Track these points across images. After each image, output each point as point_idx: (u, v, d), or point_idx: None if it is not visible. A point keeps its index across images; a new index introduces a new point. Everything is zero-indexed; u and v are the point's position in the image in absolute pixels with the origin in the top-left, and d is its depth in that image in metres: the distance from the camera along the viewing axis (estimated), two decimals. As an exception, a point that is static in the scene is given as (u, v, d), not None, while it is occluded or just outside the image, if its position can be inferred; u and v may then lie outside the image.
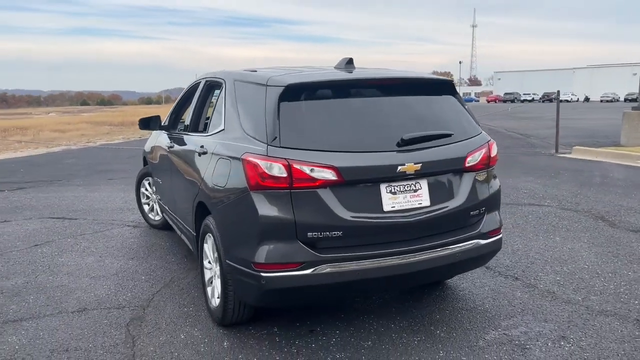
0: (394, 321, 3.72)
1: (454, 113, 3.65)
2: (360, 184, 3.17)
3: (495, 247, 3.68)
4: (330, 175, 3.05)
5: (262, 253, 3.07)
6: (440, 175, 3.39)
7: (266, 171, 3.04)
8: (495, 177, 3.75)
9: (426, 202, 3.32)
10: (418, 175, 3.28)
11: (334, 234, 3.08)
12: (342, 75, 3.61)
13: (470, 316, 3.77)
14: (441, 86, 3.74)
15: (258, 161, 3.07)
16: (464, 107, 3.73)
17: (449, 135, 3.44)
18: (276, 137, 3.11)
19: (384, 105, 3.45)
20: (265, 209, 3.06)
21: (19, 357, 3.32)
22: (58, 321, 3.84)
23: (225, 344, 3.44)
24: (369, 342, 3.42)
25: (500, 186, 3.78)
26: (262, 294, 3.14)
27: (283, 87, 3.24)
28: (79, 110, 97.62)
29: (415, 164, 3.22)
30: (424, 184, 3.33)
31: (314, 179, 3.04)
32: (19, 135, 25.31)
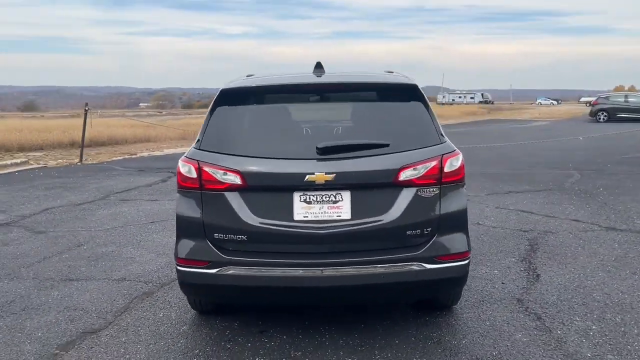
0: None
1: (409, 120, 3.32)
2: (270, 190, 3.15)
3: (449, 275, 3.23)
4: (236, 179, 3.12)
5: (180, 248, 3.30)
6: (368, 188, 3.14)
7: (182, 172, 3.25)
8: (459, 195, 3.27)
9: (346, 215, 3.12)
10: (339, 187, 3.11)
11: (239, 237, 3.14)
12: (282, 80, 3.57)
13: (434, 348, 3.37)
14: (402, 91, 3.44)
15: (180, 163, 3.30)
16: (428, 114, 3.33)
17: (382, 146, 3.15)
18: (199, 140, 3.30)
19: (324, 112, 3.33)
20: (182, 207, 3.29)
21: (35, 305, 4.17)
22: (94, 285, 4.64)
23: (183, 328, 3.77)
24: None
25: (465, 206, 3.28)
26: (183, 287, 3.38)
27: (219, 93, 3.39)
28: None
29: (327, 173, 3.06)
30: (346, 195, 3.13)
31: (221, 182, 3.15)
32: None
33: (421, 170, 3.13)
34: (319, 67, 3.69)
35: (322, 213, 3.12)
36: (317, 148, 3.12)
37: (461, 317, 3.81)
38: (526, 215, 6.82)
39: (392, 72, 4.02)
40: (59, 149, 17.13)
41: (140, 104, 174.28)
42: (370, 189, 3.15)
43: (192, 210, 3.24)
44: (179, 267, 3.30)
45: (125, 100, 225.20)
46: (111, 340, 3.62)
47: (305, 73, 3.71)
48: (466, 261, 3.27)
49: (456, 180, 3.24)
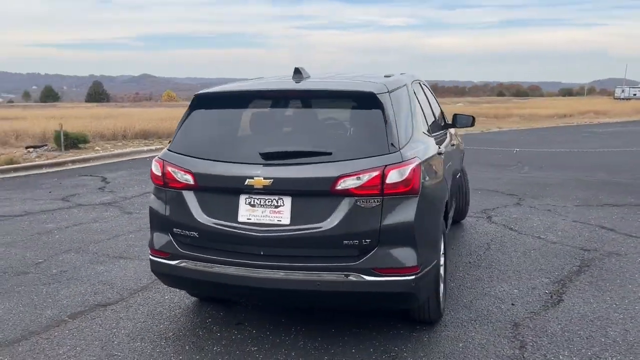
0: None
1: (361, 128, 3.27)
2: (219, 191, 3.32)
3: (391, 290, 3.14)
4: (189, 179, 3.35)
5: (152, 240, 3.63)
6: (308, 195, 3.16)
7: (153, 170, 3.57)
8: (407, 207, 3.13)
9: (286, 220, 3.18)
10: (281, 192, 3.18)
11: (192, 233, 3.37)
12: (245, 87, 3.70)
13: (377, 361, 3.30)
14: (359, 99, 3.37)
15: (153, 162, 3.62)
16: (384, 122, 3.22)
17: (324, 154, 3.15)
18: (170, 142, 3.59)
19: (281, 118, 3.42)
20: (153, 202, 3.62)
21: (79, 276, 4.83)
22: (136, 264, 5.23)
23: (176, 311, 4.13)
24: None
25: (413, 219, 3.13)
26: (155, 275, 3.72)
27: (193, 97, 3.63)
28: (487, 100, 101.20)
29: (265, 178, 3.15)
30: (287, 201, 3.19)
31: (178, 181, 3.40)
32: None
33: (361, 179, 3.07)
34: (297, 72, 3.73)
35: (264, 217, 3.22)
36: (259, 153, 3.22)
37: (438, 335, 3.63)
38: (603, 233, 6.09)
39: (390, 76, 3.93)
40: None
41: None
42: (310, 196, 3.17)
43: (159, 206, 3.54)
44: (150, 256, 3.63)
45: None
46: (112, 314, 4.10)
47: (281, 79, 3.81)
48: (412, 277, 3.13)
49: (403, 192, 3.11)
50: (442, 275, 3.83)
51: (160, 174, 3.50)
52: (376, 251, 3.11)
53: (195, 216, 3.36)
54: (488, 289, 4.44)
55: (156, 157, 3.61)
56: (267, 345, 3.54)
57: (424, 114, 4.14)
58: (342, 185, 3.08)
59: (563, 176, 10.09)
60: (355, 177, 3.07)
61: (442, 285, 3.79)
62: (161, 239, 3.54)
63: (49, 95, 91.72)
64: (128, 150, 14.69)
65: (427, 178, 3.39)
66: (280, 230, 3.18)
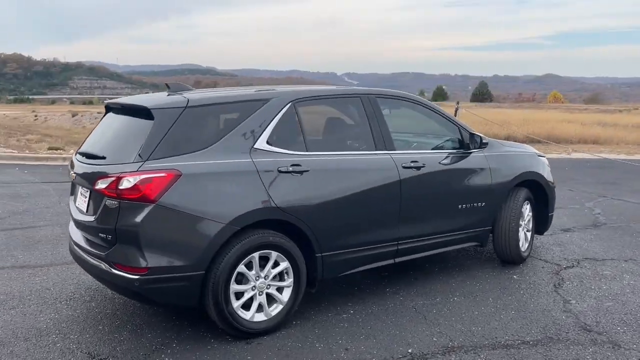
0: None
1: (131, 138, 3.60)
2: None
3: (124, 285, 3.40)
4: None
5: None
6: (93, 191, 3.64)
7: None
8: (136, 213, 3.30)
9: (84, 209, 3.76)
10: (85, 185, 3.76)
11: None
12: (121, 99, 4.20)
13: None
14: (141, 112, 3.66)
15: None
16: (147, 134, 3.46)
17: (100, 157, 3.66)
18: None
19: (111, 126, 3.98)
20: None
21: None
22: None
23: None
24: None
25: (139, 224, 3.28)
26: None
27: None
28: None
29: (73, 173, 3.80)
30: (87, 194, 3.75)
31: None
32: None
33: (105, 183, 3.38)
34: (167, 87, 4.08)
35: (80, 203, 3.87)
36: (78, 152, 3.89)
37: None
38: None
39: (270, 90, 4.08)
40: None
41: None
42: (94, 192, 3.63)
43: None
44: None
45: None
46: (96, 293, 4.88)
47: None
48: (136, 276, 3.29)
49: (134, 198, 3.28)
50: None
51: None
52: (116, 247, 3.40)
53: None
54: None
55: None
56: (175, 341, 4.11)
57: (302, 132, 3.95)
58: (98, 185, 3.46)
59: None
60: (103, 179, 3.42)
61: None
62: None
63: (439, 95, 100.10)
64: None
65: (190, 191, 3.39)
66: (84, 217, 3.77)
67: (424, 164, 4.40)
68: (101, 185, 3.44)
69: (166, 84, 4.13)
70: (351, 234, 4.05)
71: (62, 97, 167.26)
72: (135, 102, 3.89)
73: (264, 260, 3.67)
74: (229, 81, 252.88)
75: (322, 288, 4.60)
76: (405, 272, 4.96)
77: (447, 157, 4.66)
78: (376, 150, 4.24)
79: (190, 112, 3.57)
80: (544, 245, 5.84)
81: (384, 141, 4.29)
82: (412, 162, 4.34)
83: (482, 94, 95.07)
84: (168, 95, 3.91)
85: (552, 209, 5.52)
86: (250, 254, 3.57)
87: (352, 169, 4.06)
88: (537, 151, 5.70)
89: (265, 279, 3.67)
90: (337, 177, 3.96)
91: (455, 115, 13.95)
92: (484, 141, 4.78)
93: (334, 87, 4.60)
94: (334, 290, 4.53)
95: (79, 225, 3.84)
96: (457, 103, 14.40)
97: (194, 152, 3.49)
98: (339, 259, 4.01)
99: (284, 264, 3.73)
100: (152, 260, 3.31)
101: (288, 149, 3.82)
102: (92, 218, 3.60)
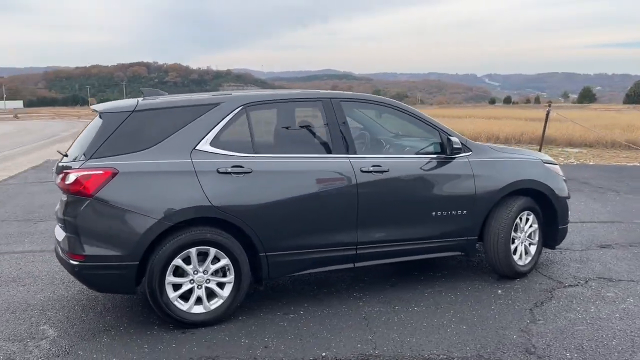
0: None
1: (88, 138, 3.97)
2: None
3: (68, 268, 3.88)
4: None
5: None
6: None
7: None
8: (78, 205, 3.70)
9: (65, 198, 4.27)
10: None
11: None
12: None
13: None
14: (98, 115, 4.04)
15: None
16: (94, 135, 3.86)
17: (65, 155, 4.06)
18: None
19: (88, 128, 4.43)
20: None
21: None
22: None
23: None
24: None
25: (76, 216, 3.69)
26: None
27: None
28: None
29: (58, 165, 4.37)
30: None
31: None
32: None
33: (59, 178, 3.85)
34: (142, 93, 4.40)
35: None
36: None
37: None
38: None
39: (225, 95, 4.33)
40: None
41: None
42: None
43: None
44: None
45: None
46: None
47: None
48: (76, 262, 3.71)
49: (74, 192, 3.69)
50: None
51: None
52: (67, 235, 3.85)
53: None
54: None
55: None
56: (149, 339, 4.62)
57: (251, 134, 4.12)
58: (57, 180, 3.95)
59: None
60: (60, 175, 3.89)
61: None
62: None
63: (585, 97, 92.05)
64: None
65: (126, 188, 3.71)
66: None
67: (388, 169, 4.32)
68: (58, 180, 3.92)
69: (140, 90, 4.52)
70: (299, 236, 4.11)
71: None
72: (96, 106, 4.34)
73: (204, 256, 3.90)
74: (365, 85, 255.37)
75: (289, 288, 4.73)
76: (387, 278, 4.87)
77: (419, 161, 4.51)
78: (333, 153, 4.26)
79: (136, 116, 3.91)
80: (562, 261, 5.33)
81: (345, 145, 4.29)
82: (372, 166, 4.27)
83: (637, 95, 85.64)
84: (143, 99, 4.30)
85: (564, 221, 5.03)
86: (186, 249, 3.81)
87: (300, 172, 4.13)
88: (548, 158, 5.23)
89: (204, 274, 3.89)
90: (283, 179, 4.06)
91: (547, 119, 12.87)
92: (455, 146, 4.51)
93: (296, 91, 4.68)
94: (301, 291, 4.62)
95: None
96: (549, 105, 13.23)
97: (135, 152, 3.81)
98: (286, 260, 4.10)
99: (224, 261, 3.92)
100: (90, 249, 3.71)
101: (232, 151, 4.00)
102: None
